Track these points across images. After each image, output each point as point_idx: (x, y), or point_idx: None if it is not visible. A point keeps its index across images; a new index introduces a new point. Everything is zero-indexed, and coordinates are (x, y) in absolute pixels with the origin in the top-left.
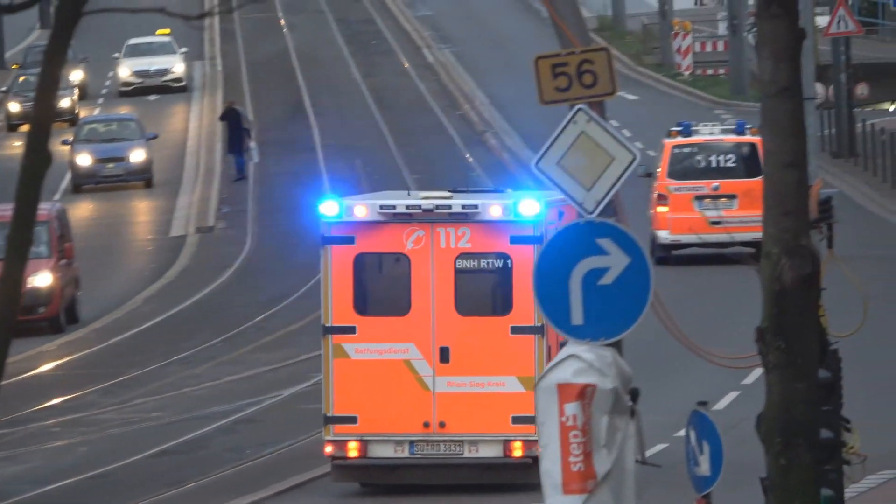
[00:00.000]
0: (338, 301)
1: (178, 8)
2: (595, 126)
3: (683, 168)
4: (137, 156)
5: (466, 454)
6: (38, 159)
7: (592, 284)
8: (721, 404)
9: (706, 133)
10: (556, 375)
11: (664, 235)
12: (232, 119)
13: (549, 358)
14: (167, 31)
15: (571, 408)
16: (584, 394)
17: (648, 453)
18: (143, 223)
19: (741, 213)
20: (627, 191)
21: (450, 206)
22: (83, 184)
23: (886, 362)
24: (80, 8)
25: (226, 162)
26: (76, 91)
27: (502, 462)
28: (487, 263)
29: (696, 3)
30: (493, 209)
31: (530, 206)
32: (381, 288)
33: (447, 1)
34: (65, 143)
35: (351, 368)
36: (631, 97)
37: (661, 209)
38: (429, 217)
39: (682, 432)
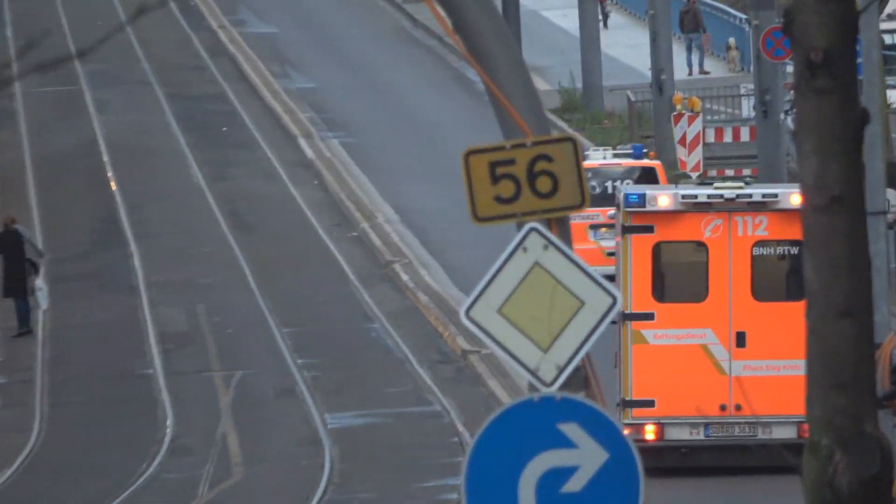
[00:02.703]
0: (637, 288)
1: None
2: (555, 255)
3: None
4: None
5: (761, 436)
6: None
7: (553, 492)
8: None
9: (599, 157)
10: None
11: None
12: (9, 245)
13: None
14: None
15: None
16: None
17: None
18: None
19: None
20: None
21: (750, 196)
22: None
23: None
24: None
25: (1, 308)
26: None
27: (797, 443)
28: (784, 250)
29: (691, 71)
30: (793, 198)
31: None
32: (679, 275)
33: (338, 67)
34: None
35: (649, 353)
36: (611, 211)
37: None
38: (729, 206)
39: None
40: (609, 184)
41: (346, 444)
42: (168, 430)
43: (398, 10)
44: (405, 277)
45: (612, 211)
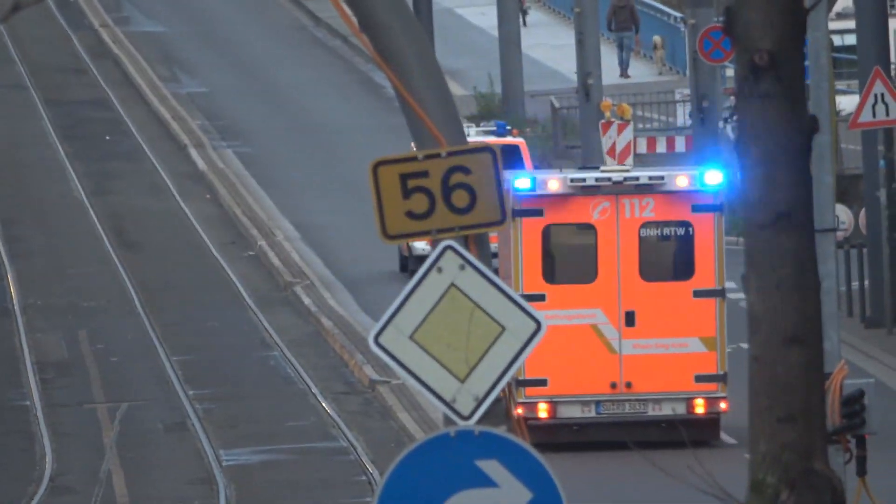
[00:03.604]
0: (528, 271)
1: None
2: (473, 276)
3: None
4: None
5: (651, 412)
6: None
7: None
8: None
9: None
10: None
11: (420, 246)
12: None
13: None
14: None
15: None
16: None
17: None
18: None
19: None
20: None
21: (637, 178)
22: None
23: None
24: None
25: None
26: None
27: (686, 419)
28: (670, 231)
29: (621, 74)
30: (679, 179)
31: (714, 175)
32: (569, 257)
33: (231, 69)
34: None
35: None
36: None
37: None
38: (616, 189)
39: None
40: None
41: (242, 484)
42: (47, 467)
43: (298, 6)
44: (307, 300)
45: None
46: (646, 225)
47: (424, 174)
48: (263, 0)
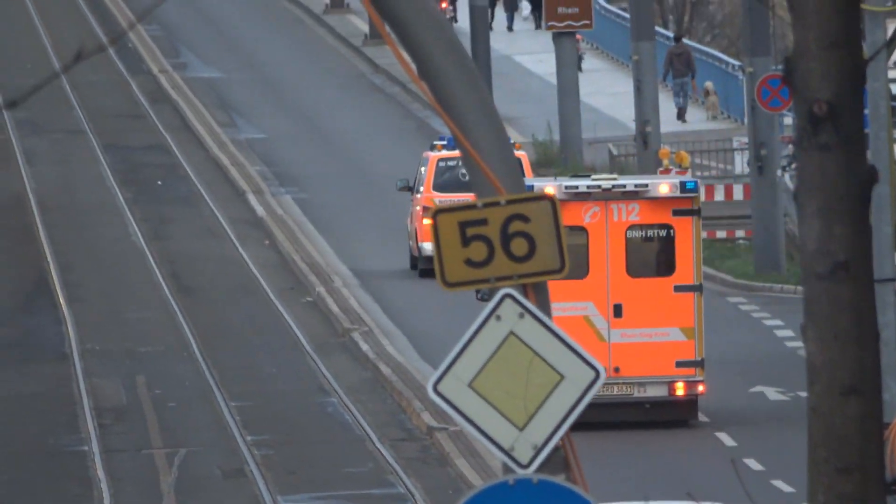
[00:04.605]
0: None
1: None
2: (532, 324)
3: (448, 181)
4: None
5: (636, 395)
6: None
7: None
8: None
9: None
10: None
11: (429, 247)
12: None
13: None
14: None
15: None
16: None
17: None
18: None
19: None
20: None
21: (624, 186)
22: None
23: None
24: None
25: None
26: None
27: (667, 400)
28: (653, 233)
29: (679, 117)
30: (661, 187)
31: (691, 183)
32: None
33: (289, 115)
34: None
35: None
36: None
37: (426, 222)
38: (605, 195)
39: None
40: None
41: None
42: None
43: (356, 53)
44: (365, 347)
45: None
46: (632, 227)
47: (483, 222)
48: (321, 47)
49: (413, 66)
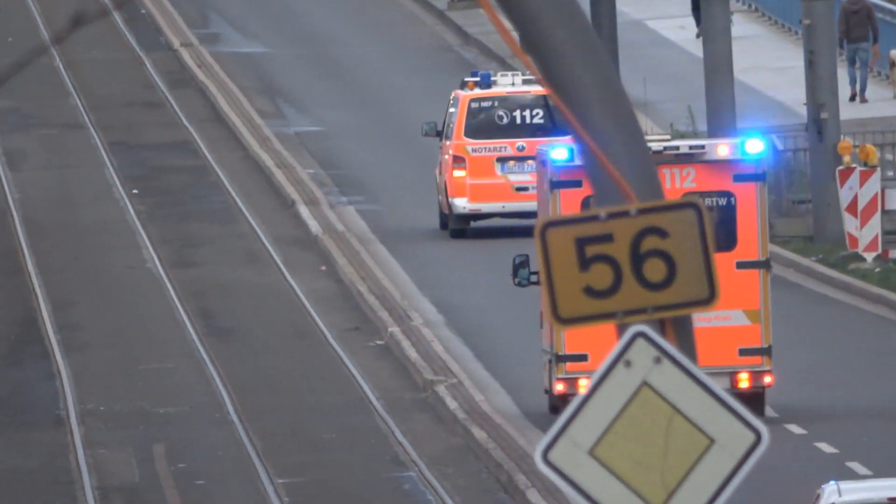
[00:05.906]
0: None
1: None
2: (672, 371)
3: (482, 125)
4: None
5: None
6: None
7: None
8: None
9: (507, 84)
10: None
11: (461, 204)
12: None
13: None
14: None
15: None
16: None
17: None
18: None
19: None
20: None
21: (677, 147)
22: None
23: None
24: None
25: None
26: None
27: (730, 393)
28: (712, 201)
29: (854, 95)
30: (720, 149)
31: (755, 144)
32: None
33: (352, 101)
34: None
35: None
36: (520, 143)
37: (457, 174)
38: (657, 159)
39: None
40: (518, 113)
41: None
42: None
43: (440, 20)
44: (452, 405)
45: (521, 143)
46: (686, 195)
47: (608, 238)
48: (395, 13)
49: (516, 36)
